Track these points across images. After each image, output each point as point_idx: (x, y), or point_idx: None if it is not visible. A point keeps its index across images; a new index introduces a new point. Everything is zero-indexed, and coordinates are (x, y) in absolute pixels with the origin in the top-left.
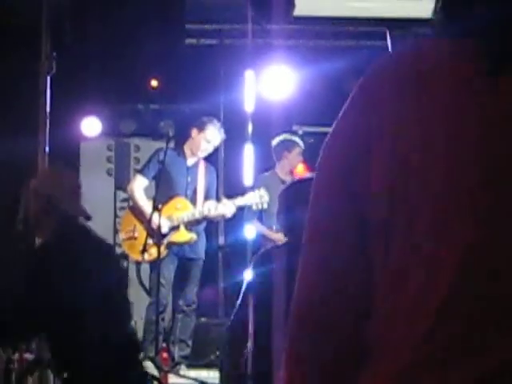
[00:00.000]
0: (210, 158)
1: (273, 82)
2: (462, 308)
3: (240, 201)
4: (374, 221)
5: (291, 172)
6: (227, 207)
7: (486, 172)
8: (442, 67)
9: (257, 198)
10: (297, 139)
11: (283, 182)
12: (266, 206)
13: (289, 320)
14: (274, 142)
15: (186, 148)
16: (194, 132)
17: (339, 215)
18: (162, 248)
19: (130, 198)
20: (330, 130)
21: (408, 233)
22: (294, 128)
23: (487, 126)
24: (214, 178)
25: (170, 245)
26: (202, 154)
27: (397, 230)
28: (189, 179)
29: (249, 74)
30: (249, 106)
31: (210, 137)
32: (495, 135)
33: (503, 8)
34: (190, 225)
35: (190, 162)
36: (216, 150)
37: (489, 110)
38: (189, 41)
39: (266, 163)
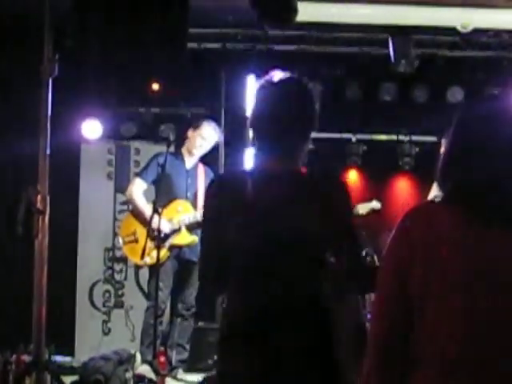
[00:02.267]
0: (211, 163)
1: None
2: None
3: None
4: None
5: None
6: None
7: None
8: (447, 221)
9: None
10: None
11: None
12: None
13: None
14: None
15: (184, 150)
16: (190, 132)
17: (390, 295)
18: (164, 251)
19: (128, 202)
20: (330, 135)
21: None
22: None
23: (471, 260)
24: None
25: (171, 247)
26: (198, 151)
27: (429, 300)
28: (189, 181)
29: (250, 79)
30: (250, 111)
31: (206, 134)
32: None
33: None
34: (192, 227)
35: (189, 164)
36: (216, 154)
37: (474, 253)
38: (191, 45)
39: None
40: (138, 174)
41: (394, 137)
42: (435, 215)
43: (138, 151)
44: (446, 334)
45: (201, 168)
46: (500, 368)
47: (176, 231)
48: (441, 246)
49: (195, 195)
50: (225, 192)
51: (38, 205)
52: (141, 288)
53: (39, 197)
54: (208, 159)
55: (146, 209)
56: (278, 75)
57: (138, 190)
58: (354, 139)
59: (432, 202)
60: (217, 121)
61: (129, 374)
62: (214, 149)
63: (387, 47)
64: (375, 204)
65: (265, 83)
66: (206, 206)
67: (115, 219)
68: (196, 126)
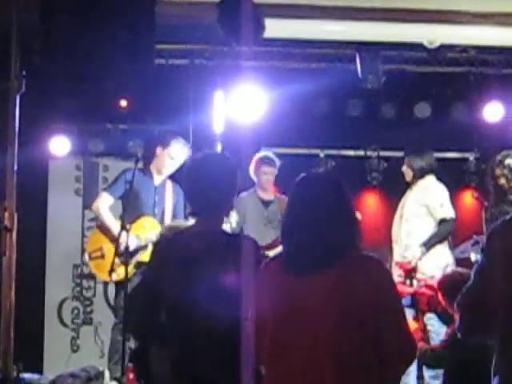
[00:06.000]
0: (178, 178)
1: (242, 103)
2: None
3: None
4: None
5: (269, 190)
6: None
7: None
8: (276, 272)
9: None
10: (266, 157)
11: (261, 200)
12: (234, 224)
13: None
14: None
15: (152, 167)
16: (159, 149)
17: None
18: (131, 268)
19: (95, 216)
20: (298, 151)
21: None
22: (263, 149)
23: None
24: (181, 198)
25: (138, 264)
26: (166, 170)
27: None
28: (156, 199)
29: (218, 95)
30: (218, 127)
31: (174, 153)
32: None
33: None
34: None
35: (157, 181)
36: None
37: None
38: (158, 61)
39: None
40: (105, 189)
41: (361, 152)
42: (269, 267)
43: (106, 168)
44: None
45: (169, 184)
46: None
47: (143, 248)
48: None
49: (163, 212)
50: (165, 254)
51: (6, 222)
52: (109, 304)
53: (7, 213)
54: (177, 176)
55: (113, 224)
56: (202, 153)
57: (105, 204)
58: (321, 155)
59: (273, 258)
60: (185, 137)
61: None
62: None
63: (354, 63)
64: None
65: (191, 161)
66: (148, 267)
67: (83, 236)
68: (165, 144)
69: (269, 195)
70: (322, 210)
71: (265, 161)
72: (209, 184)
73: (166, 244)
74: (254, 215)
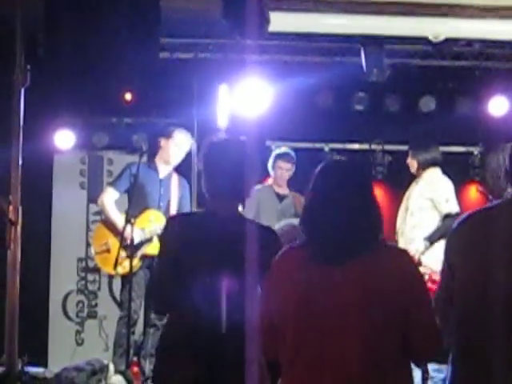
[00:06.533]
0: (184, 172)
1: (247, 97)
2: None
3: None
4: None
5: (283, 185)
6: None
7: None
8: (297, 261)
9: None
10: (284, 153)
11: (277, 194)
12: None
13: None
14: None
15: (158, 159)
16: (163, 141)
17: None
18: (136, 261)
19: (101, 211)
20: (302, 145)
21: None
22: (267, 143)
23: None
24: (187, 192)
25: (143, 257)
26: (174, 160)
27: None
28: (162, 191)
29: (223, 89)
30: (222, 121)
31: (179, 141)
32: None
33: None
34: None
35: (163, 174)
36: (189, 163)
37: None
38: (163, 55)
39: None
40: (110, 183)
41: (366, 146)
42: (291, 256)
43: (111, 161)
44: None
45: (175, 178)
46: None
47: (148, 241)
48: (286, 280)
49: (168, 205)
50: (181, 230)
51: (11, 215)
52: (114, 298)
53: (11, 207)
54: (181, 169)
55: (118, 218)
56: (219, 137)
57: (110, 198)
58: (326, 149)
59: (292, 247)
60: (189, 130)
61: None
62: (187, 158)
63: (359, 57)
64: None
65: (210, 144)
66: (164, 242)
67: (88, 229)
68: (168, 135)
69: (283, 190)
70: (347, 196)
71: (282, 156)
72: (229, 168)
73: (188, 221)
74: (268, 208)
